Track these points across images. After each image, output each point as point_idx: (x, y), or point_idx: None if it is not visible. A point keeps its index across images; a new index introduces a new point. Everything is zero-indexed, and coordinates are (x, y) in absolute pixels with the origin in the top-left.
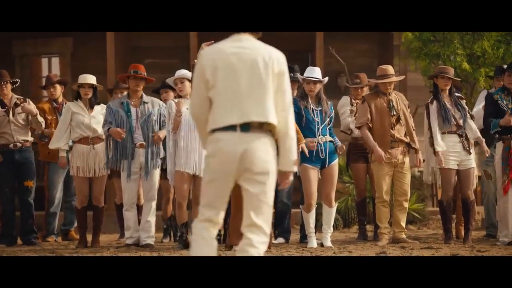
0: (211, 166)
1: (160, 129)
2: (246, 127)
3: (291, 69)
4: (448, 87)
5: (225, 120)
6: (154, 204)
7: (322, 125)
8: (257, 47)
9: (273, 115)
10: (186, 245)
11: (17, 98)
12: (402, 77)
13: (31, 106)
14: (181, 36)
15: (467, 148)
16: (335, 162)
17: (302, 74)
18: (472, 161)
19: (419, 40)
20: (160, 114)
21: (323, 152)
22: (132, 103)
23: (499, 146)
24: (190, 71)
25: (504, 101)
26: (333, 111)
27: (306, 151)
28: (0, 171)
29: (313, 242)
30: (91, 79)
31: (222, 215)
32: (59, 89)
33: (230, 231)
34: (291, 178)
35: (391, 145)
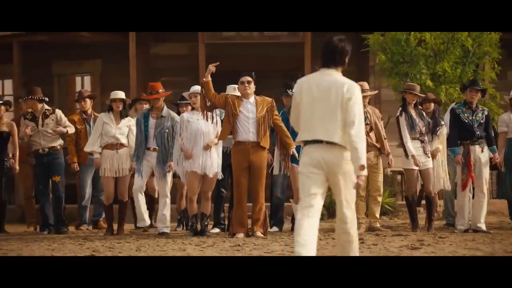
0: (301, 168)
1: (171, 139)
2: (319, 141)
3: (288, 86)
4: (414, 101)
5: (303, 136)
6: (167, 200)
7: None
8: (334, 79)
9: (336, 135)
10: (196, 232)
11: (46, 110)
12: (375, 92)
13: (61, 128)
14: (191, 58)
15: (427, 152)
16: None
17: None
18: (430, 162)
19: (390, 62)
20: (173, 128)
21: None
22: (152, 115)
23: (460, 150)
24: (199, 85)
25: (466, 114)
26: None
27: (296, 154)
28: (35, 172)
29: None
30: (121, 94)
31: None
32: (88, 103)
33: (233, 221)
34: (360, 180)
35: (367, 149)
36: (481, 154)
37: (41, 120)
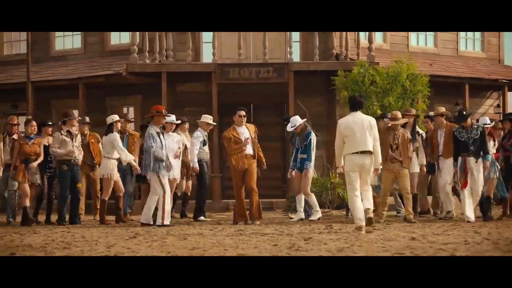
0: (349, 169)
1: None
2: (357, 152)
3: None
4: (411, 123)
5: (351, 150)
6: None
7: (301, 148)
8: (362, 116)
9: (370, 146)
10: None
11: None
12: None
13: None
14: (206, 94)
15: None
16: (306, 170)
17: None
18: (416, 168)
19: None
20: None
21: (299, 164)
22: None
23: (459, 159)
24: (211, 115)
25: (462, 134)
26: (309, 139)
27: (264, 166)
28: (65, 175)
29: (301, 215)
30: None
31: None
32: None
33: (235, 213)
34: (378, 171)
35: (391, 160)
36: (475, 164)
37: (75, 137)
